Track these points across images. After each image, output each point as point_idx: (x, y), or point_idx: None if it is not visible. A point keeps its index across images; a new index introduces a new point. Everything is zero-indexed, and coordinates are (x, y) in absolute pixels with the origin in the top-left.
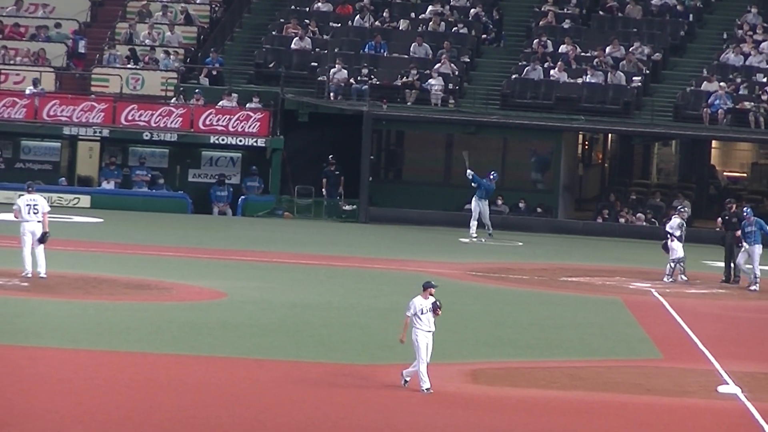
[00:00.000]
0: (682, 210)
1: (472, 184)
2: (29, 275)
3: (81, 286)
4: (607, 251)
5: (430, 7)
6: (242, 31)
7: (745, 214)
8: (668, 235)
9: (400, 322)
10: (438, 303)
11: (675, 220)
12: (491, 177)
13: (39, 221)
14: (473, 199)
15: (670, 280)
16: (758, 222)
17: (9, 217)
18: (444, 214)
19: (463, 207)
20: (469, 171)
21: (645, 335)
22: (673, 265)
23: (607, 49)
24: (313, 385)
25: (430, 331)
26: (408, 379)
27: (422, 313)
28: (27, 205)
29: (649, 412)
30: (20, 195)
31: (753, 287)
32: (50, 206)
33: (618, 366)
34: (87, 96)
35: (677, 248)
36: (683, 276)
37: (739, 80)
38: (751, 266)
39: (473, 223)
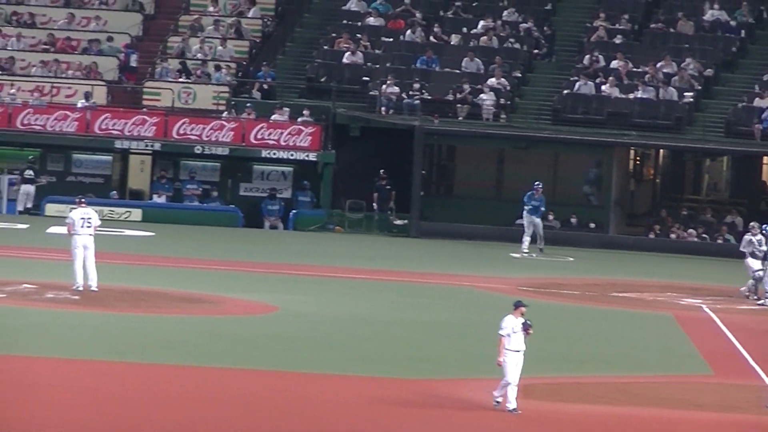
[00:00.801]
0: (752, 227)
1: (526, 207)
2: (80, 288)
3: (131, 299)
4: (658, 267)
5: (481, 22)
6: (294, 45)
7: (764, 231)
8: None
9: (451, 336)
10: (529, 322)
11: (745, 238)
12: (535, 186)
13: (91, 235)
14: (524, 214)
15: (756, 299)
16: None
17: (60, 230)
18: (495, 228)
19: (515, 222)
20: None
21: (695, 351)
22: (753, 281)
23: (659, 65)
24: (361, 399)
25: (519, 351)
26: (500, 399)
27: (513, 332)
28: (81, 218)
29: (699, 427)
30: (72, 209)
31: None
32: (101, 219)
33: (668, 381)
34: (138, 109)
35: (752, 265)
36: (745, 290)
37: None
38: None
39: (526, 239)
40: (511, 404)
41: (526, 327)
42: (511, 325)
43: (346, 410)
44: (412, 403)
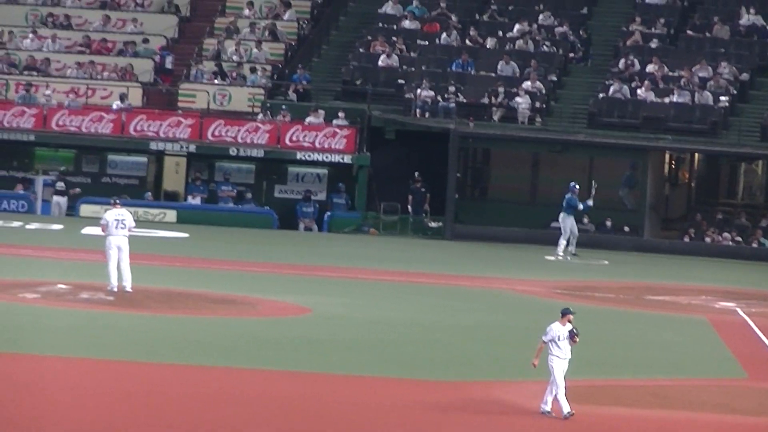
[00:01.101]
0: None
1: (580, 207)
2: (115, 289)
3: (166, 300)
4: (693, 270)
5: (517, 26)
6: (329, 47)
7: None
8: None
9: (485, 339)
10: (575, 330)
11: None
12: (573, 188)
13: (125, 236)
14: (561, 215)
15: None
16: None
17: (95, 231)
18: (530, 231)
19: (549, 225)
20: (580, 204)
21: (730, 354)
22: None
23: (694, 69)
24: (397, 401)
25: (566, 359)
26: (548, 409)
27: (559, 340)
28: (115, 219)
29: (734, 431)
30: (107, 210)
31: None
32: (136, 220)
33: (703, 385)
34: (174, 111)
35: None
36: None
37: None
38: None
39: (562, 242)
40: (566, 408)
41: (572, 335)
42: (557, 332)
43: (380, 412)
44: (447, 406)
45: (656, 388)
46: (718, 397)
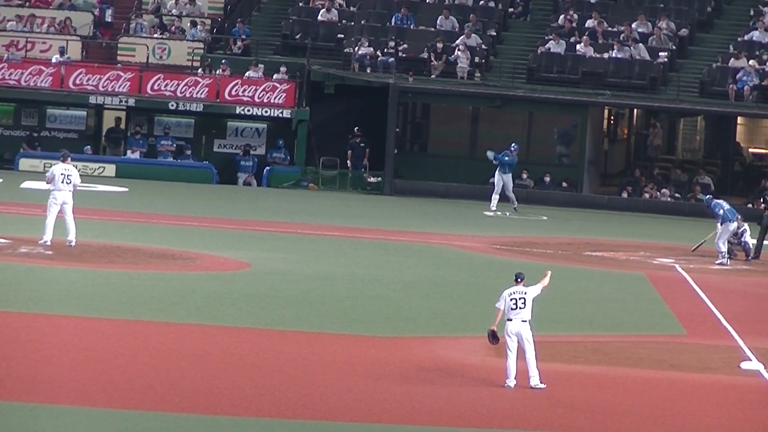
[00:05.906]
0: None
1: (494, 162)
2: (48, 243)
3: (105, 254)
4: (632, 226)
5: None
6: (269, 2)
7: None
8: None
9: (425, 294)
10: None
11: None
12: (512, 149)
13: (70, 191)
14: (496, 172)
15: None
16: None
17: (34, 185)
18: (469, 187)
19: (488, 180)
20: (489, 152)
21: (669, 311)
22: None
23: (634, 24)
24: (336, 357)
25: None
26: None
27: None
28: (62, 174)
29: (672, 387)
30: (55, 163)
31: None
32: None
33: (641, 341)
34: (113, 65)
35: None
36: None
37: (765, 57)
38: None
39: (495, 197)
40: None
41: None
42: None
43: (319, 368)
44: (386, 361)
45: (595, 344)
46: (656, 353)
